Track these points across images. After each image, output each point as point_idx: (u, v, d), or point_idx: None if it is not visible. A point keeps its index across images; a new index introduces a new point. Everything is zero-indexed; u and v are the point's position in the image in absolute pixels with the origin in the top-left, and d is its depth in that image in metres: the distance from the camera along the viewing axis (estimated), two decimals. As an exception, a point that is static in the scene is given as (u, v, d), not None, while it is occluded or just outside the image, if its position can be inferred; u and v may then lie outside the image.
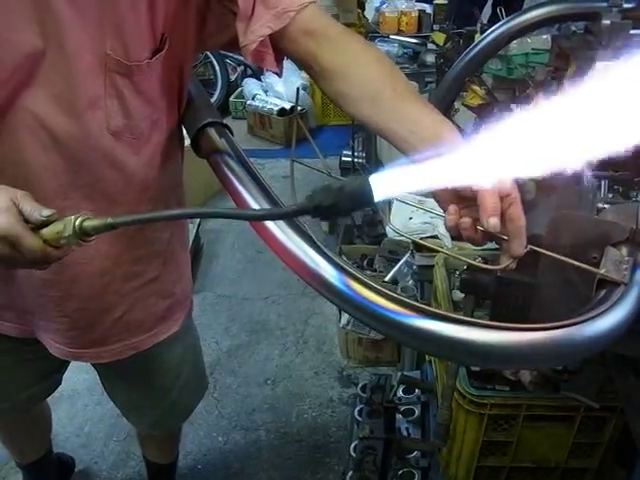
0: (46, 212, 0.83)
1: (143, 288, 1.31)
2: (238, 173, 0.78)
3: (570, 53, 1.41)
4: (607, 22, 1.32)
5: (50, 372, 1.57)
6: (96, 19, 0.93)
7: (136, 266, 1.28)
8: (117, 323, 1.32)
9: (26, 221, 0.83)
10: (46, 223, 0.83)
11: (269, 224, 0.69)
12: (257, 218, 0.68)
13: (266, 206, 0.74)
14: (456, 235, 0.82)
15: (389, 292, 0.64)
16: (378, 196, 0.63)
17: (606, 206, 1.15)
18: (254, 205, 0.75)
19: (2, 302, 1.29)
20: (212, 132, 0.83)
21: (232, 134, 0.84)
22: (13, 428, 1.91)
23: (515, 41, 1.96)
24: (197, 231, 3.55)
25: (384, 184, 0.64)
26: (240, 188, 0.76)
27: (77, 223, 0.80)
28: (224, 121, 0.95)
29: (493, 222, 0.75)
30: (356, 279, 0.64)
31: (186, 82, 1.11)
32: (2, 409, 1.63)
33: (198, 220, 3.61)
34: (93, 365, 1.51)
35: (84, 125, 1.02)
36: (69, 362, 1.53)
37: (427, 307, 0.65)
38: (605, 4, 1.33)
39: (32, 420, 1.91)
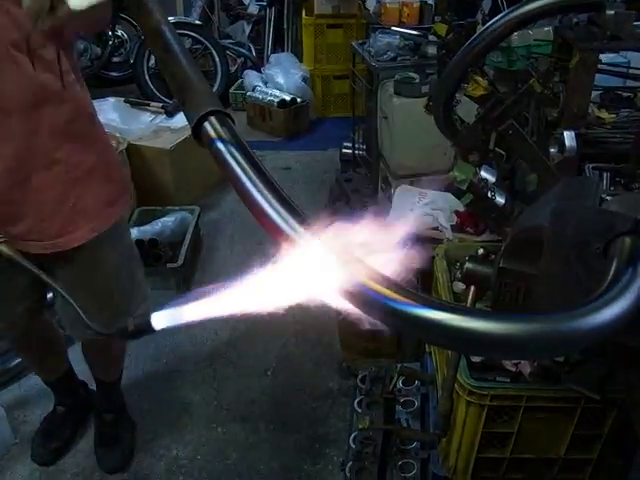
0: None
1: (86, 177, 1.66)
2: (240, 162, 0.77)
3: (573, 44, 1.40)
4: (611, 12, 1.31)
5: (29, 287, 1.84)
6: None
7: (74, 158, 1.62)
8: (73, 210, 1.66)
9: None
10: None
11: (277, 218, 0.69)
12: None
13: (268, 195, 0.74)
14: None
15: (399, 284, 0.63)
16: (159, 326, 0.86)
17: (608, 198, 1.15)
18: (256, 195, 0.74)
19: None
20: (213, 121, 0.81)
21: (234, 123, 0.83)
22: (27, 349, 2.26)
23: (516, 33, 1.95)
24: (197, 222, 3.55)
25: (165, 317, 0.86)
26: (242, 177, 0.75)
27: None
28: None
29: None
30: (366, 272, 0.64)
31: None
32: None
33: (197, 212, 3.61)
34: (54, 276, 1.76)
35: None
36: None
37: (428, 296, 0.64)
38: (609, -6, 1.32)
39: (42, 340, 2.23)
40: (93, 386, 2.55)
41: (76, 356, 2.66)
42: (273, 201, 0.72)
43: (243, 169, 0.76)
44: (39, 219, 1.64)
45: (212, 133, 0.81)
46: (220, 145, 0.78)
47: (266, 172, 0.77)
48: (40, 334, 2.17)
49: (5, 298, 1.85)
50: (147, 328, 0.87)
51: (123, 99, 4.26)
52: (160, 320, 0.86)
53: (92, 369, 2.36)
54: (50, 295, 2.08)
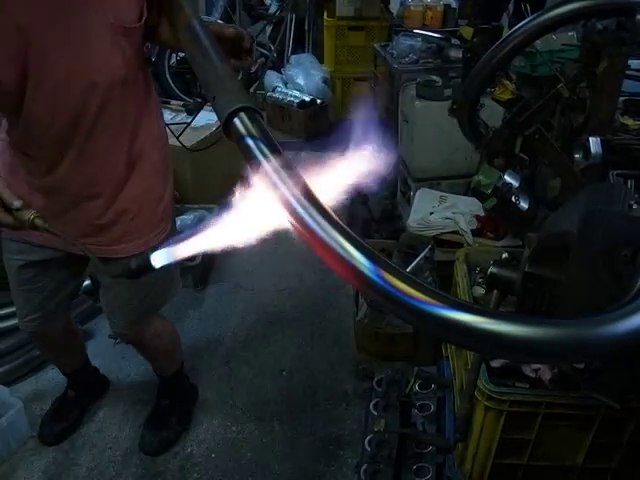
0: (16, 204, 1.31)
1: (144, 195, 1.80)
2: (269, 159, 0.77)
3: (602, 49, 1.39)
4: (642, 18, 1.30)
5: (70, 278, 2.01)
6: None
7: (138, 180, 1.76)
8: (131, 224, 1.80)
9: (4, 205, 1.32)
10: (19, 208, 1.31)
11: (306, 217, 0.69)
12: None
13: (296, 191, 0.74)
14: None
15: (430, 287, 0.64)
16: (158, 264, 0.92)
17: (635, 205, 1.14)
18: (284, 189, 0.74)
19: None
20: (243, 117, 0.82)
21: (263, 119, 0.83)
22: (49, 347, 2.30)
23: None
24: (215, 221, 3.55)
25: (162, 256, 0.92)
26: (271, 174, 0.75)
27: (31, 217, 1.29)
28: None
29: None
30: (393, 272, 0.64)
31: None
32: (34, 319, 2.02)
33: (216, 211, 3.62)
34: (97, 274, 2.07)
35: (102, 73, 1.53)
36: (82, 273, 2.06)
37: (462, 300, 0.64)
38: (640, -1, 1.31)
39: (63, 338, 2.26)
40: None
41: (95, 350, 2.71)
42: (301, 197, 0.72)
43: (271, 165, 0.76)
44: (99, 227, 1.78)
45: (242, 129, 0.81)
46: (249, 141, 0.79)
47: (294, 168, 0.77)
48: (62, 332, 2.21)
49: (43, 289, 1.96)
50: (148, 266, 0.93)
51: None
52: (159, 258, 0.92)
53: (151, 364, 2.45)
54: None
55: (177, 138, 2.85)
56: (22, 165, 1.70)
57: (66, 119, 1.57)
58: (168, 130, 2.00)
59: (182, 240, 0.88)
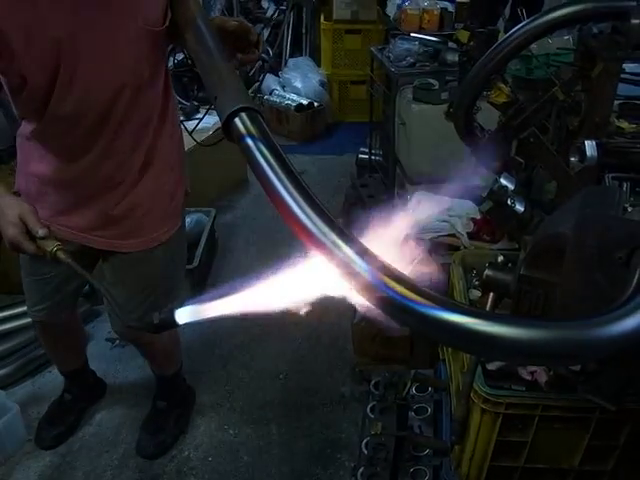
0: (41, 232, 1.31)
1: (158, 191, 1.83)
2: (269, 159, 0.77)
3: (597, 53, 1.40)
4: (636, 21, 1.30)
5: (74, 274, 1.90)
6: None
7: (153, 175, 1.80)
8: (141, 220, 1.84)
9: (28, 232, 1.32)
10: (43, 237, 1.31)
11: (303, 218, 0.69)
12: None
13: (294, 192, 0.74)
14: None
15: (426, 289, 0.64)
16: (182, 320, 0.92)
17: (630, 208, 1.14)
18: (283, 192, 0.74)
19: (73, 217, 1.80)
20: (244, 117, 0.82)
21: (264, 119, 0.84)
22: (53, 340, 2.31)
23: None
24: (212, 225, 3.55)
25: (187, 313, 0.91)
26: (270, 174, 0.76)
27: (54, 250, 1.27)
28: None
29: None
30: (390, 273, 0.64)
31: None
32: (42, 309, 2.06)
33: (213, 214, 3.61)
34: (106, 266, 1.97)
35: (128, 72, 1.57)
36: (92, 268, 1.99)
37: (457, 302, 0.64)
38: (634, 3, 1.32)
39: (67, 333, 2.31)
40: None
41: (92, 353, 2.71)
42: (300, 200, 0.72)
43: (271, 166, 0.76)
44: (111, 218, 1.81)
45: (242, 129, 0.81)
46: (250, 141, 0.79)
47: (293, 170, 0.77)
48: (67, 325, 2.25)
49: (53, 279, 1.99)
50: (171, 322, 0.92)
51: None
52: (183, 315, 0.91)
53: (149, 363, 2.46)
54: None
55: (190, 134, 2.87)
56: (40, 160, 1.72)
57: (93, 119, 1.60)
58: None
59: (212, 299, 0.89)
